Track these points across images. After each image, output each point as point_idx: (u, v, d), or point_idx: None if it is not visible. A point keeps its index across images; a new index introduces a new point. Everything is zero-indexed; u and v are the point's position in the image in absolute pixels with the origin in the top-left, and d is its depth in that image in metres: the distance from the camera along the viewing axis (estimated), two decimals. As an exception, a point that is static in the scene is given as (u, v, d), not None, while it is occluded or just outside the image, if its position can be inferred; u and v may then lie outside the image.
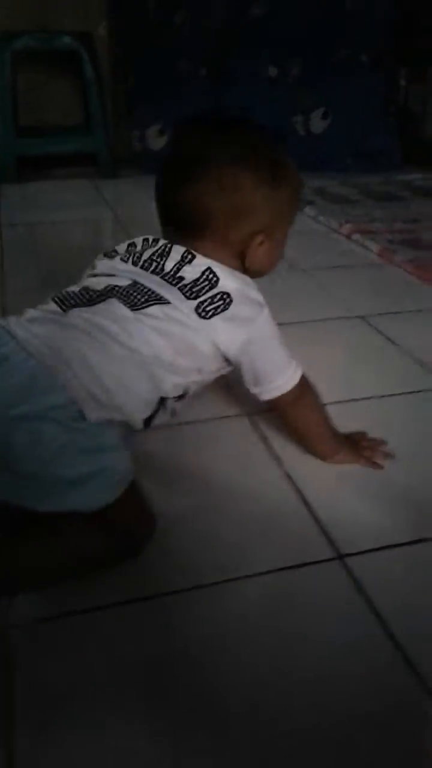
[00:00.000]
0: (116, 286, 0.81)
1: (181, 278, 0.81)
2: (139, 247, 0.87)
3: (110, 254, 0.88)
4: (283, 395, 0.86)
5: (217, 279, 0.82)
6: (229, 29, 2.55)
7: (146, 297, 0.79)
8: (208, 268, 0.82)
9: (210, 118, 0.87)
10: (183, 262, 0.82)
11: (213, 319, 0.80)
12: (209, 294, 0.81)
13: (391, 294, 1.54)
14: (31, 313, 0.80)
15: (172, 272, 0.82)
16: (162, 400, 0.81)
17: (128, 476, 0.76)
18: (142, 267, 0.83)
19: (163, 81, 2.56)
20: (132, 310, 0.78)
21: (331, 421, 0.93)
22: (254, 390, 0.87)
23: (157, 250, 0.84)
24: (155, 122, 2.59)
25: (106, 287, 0.81)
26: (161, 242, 0.86)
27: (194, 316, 0.79)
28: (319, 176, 2.54)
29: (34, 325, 0.77)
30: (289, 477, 0.90)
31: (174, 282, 0.81)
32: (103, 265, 0.87)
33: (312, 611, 0.71)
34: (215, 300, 0.81)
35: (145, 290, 0.80)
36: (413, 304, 1.47)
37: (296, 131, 2.66)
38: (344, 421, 0.97)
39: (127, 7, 2.54)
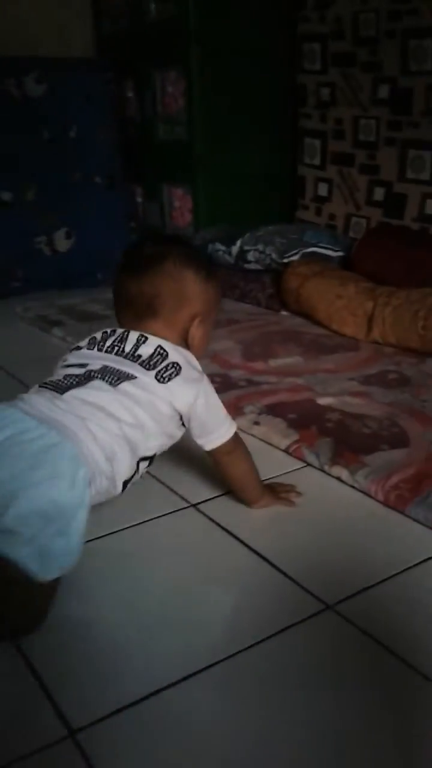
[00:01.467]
0: (92, 370, 0.99)
1: (139, 356, 1.02)
2: (99, 337, 1.07)
3: (76, 348, 1.07)
4: (222, 444, 1.06)
5: (167, 353, 1.02)
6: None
7: (117, 376, 0.98)
8: (159, 346, 1.03)
9: (154, 237, 1.19)
10: (138, 343, 1.03)
11: (169, 383, 1.00)
12: (163, 365, 1.01)
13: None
14: (33, 397, 0.94)
15: (131, 352, 1.02)
16: (137, 464, 0.98)
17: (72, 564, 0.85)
18: (106, 352, 1.03)
19: None
20: (112, 386, 0.96)
21: (257, 472, 1.11)
22: (200, 441, 1.05)
23: (117, 338, 1.05)
24: None
25: (85, 372, 0.99)
26: (119, 331, 1.06)
27: (155, 383, 0.99)
28: (69, 294, 2.56)
29: (44, 406, 0.91)
30: (18, 648, 0.83)
31: (134, 359, 1.01)
32: (73, 356, 1.05)
33: None
34: (168, 368, 1.01)
35: (115, 370, 0.99)
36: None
37: (42, 251, 2.68)
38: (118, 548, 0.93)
39: None
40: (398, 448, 1.30)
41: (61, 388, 0.96)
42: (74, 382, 0.97)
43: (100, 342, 1.06)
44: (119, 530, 1.08)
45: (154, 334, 1.04)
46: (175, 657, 0.82)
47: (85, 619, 0.89)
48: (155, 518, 1.12)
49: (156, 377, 0.99)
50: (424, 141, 2.24)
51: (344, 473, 1.23)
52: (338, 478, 1.23)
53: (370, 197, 2.47)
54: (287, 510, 1.14)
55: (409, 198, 2.32)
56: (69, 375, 0.99)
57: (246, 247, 2.42)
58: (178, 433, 1.05)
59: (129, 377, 0.98)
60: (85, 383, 0.96)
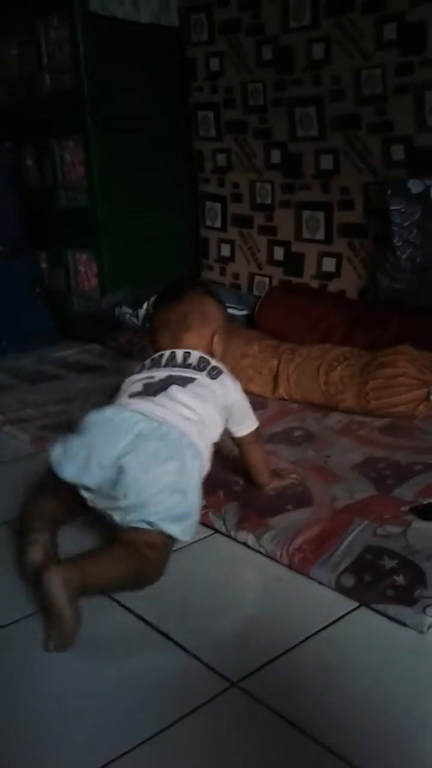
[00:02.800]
0: (162, 379, 1.24)
1: (190, 363, 1.28)
2: (149, 363, 1.31)
3: (139, 370, 1.31)
4: (250, 433, 1.33)
5: (209, 360, 1.30)
6: None
7: (183, 380, 1.24)
8: (201, 356, 1.30)
9: (181, 282, 1.49)
10: (185, 357, 1.29)
11: (219, 378, 1.28)
12: (209, 367, 1.28)
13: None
14: (134, 401, 1.21)
15: (182, 363, 1.28)
16: (209, 448, 1.23)
17: None
18: (165, 366, 1.28)
19: None
20: (183, 387, 1.22)
21: (268, 462, 1.39)
22: (235, 428, 1.31)
23: (167, 357, 1.30)
24: None
25: (159, 380, 1.24)
26: (166, 352, 1.31)
27: (208, 378, 1.26)
28: (-26, 364, 2.50)
29: (149, 408, 1.18)
30: None
31: (187, 366, 1.27)
32: (138, 376, 1.28)
33: None
34: (214, 369, 1.29)
35: (179, 377, 1.24)
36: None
37: None
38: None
39: None
40: (302, 507, 1.30)
41: (149, 393, 1.21)
42: (158, 388, 1.22)
43: (153, 364, 1.30)
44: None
45: (189, 346, 1.31)
46: (70, 755, 0.78)
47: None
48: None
49: (207, 375, 1.26)
50: (316, 202, 2.32)
51: (250, 538, 1.22)
52: (244, 544, 1.23)
53: (271, 257, 2.54)
54: (191, 582, 1.12)
55: (306, 256, 2.40)
56: (148, 384, 1.24)
57: (152, 310, 2.43)
58: (222, 426, 1.27)
59: (190, 380, 1.24)
60: (166, 387, 1.22)
